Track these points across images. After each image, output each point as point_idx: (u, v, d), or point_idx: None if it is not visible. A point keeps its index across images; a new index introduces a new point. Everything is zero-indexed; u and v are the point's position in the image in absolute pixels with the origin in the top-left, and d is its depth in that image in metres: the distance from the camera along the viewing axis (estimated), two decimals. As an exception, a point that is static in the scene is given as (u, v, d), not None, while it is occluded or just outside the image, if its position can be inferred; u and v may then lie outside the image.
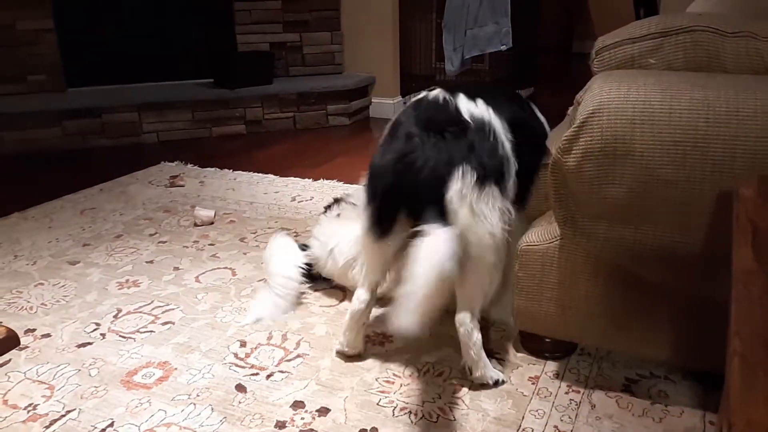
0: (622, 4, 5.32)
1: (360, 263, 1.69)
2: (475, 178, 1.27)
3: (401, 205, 1.33)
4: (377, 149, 1.40)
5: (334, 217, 1.90)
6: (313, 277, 1.89)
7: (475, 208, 1.28)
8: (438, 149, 1.29)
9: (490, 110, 1.38)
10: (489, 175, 1.30)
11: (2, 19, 3.53)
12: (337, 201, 1.99)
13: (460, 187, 1.27)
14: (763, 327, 0.55)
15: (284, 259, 1.85)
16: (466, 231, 1.28)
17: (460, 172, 1.26)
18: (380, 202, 1.36)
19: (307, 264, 1.87)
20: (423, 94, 1.45)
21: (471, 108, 1.36)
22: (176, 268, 2.05)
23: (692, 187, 1.11)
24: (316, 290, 1.88)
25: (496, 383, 1.43)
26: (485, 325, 1.68)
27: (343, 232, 1.79)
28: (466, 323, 1.41)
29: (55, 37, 3.65)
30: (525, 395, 1.41)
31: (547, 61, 5.38)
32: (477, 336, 1.41)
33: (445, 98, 1.38)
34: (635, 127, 1.13)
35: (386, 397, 1.41)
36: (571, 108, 1.34)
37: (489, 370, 1.43)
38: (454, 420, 1.34)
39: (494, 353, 1.56)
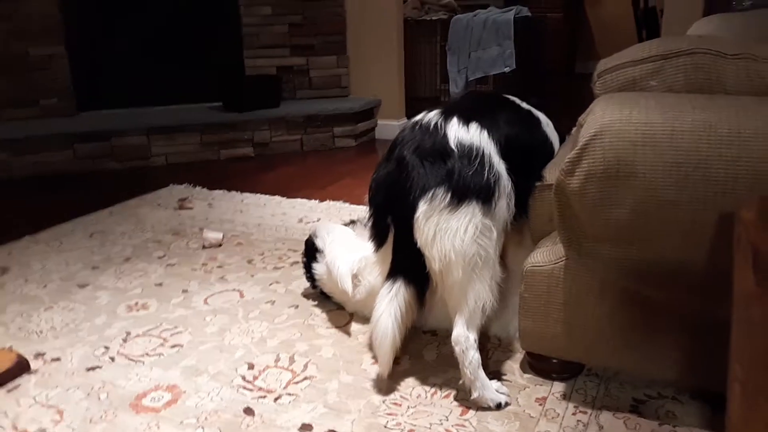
0: (624, 26, 5.36)
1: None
2: (448, 198, 1.36)
3: (390, 219, 1.47)
4: (377, 167, 1.51)
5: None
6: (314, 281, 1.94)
7: (442, 225, 1.37)
8: (419, 175, 1.38)
9: (484, 133, 1.42)
10: (469, 194, 1.36)
11: (15, 45, 3.60)
12: (353, 222, 2.03)
13: (426, 209, 1.37)
14: (764, 351, 0.55)
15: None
16: (427, 247, 1.39)
17: (431, 194, 1.36)
18: (375, 216, 1.52)
19: (312, 279, 1.93)
20: (421, 115, 1.49)
21: (460, 134, 1.40)
22: (185, 291, 2.06)
23: (695, 208, 1.12)
24: (323, 312, 1.90)
25: (498, 406, 1.42)
26: (484, 347, 1.68)
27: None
28: (460, 342, 1.42)
29: (67, 63, 3.72)
30: (532, 416, 1.40)
31: (550, 82, 5.42)
32: (473, 356, 1.41)
33: (436, 124, 1.43)
34: (637, 148, 1.15)
35: (393, 420, 1.41)
36: (574, 129, 1.36)
37: (488, 392, 1.43)
38: (462, 442, 1.33)
39: (501, 374, 1.56)
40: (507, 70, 4.50)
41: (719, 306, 1.15)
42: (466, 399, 1.45)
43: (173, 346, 1.73)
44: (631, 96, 1.25)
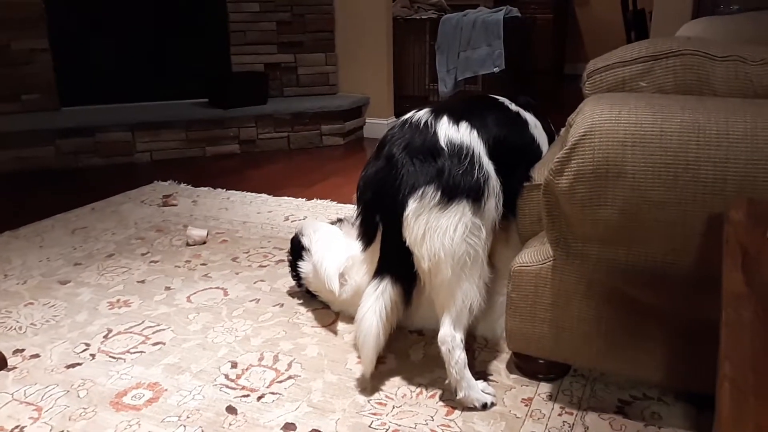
0: (613, 27, 5.39)
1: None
2: (438, 197, 1.35)
3: (379, 217, 1.46)
4: (366, 165, 1.50)
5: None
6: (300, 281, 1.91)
7: (432, 224, 1.36)
8: (409, 173, 1.38)
9: (474, 133, 1.42)
10: (459, 193, 1.36)
11: (-3, 38, 3.54)
12: (339, 220, 2.02)
13: (416, 207, 1.36)
14: (753, 351, 0.55)
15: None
16: (416, 245, 1.38)
17: (420, 192, 1.36)
18: (363, 214, 1.50)
19: (298, 278, 1.90)
20: (410, 114, 1.49)
21: (450, 133, 1.40)
22: (168, 288, 2.03)
23: (683, 208, 1.12)
24: (308, 310, 1.88)
25: (484, 406, 1.42)
26: (471, 347, 1.67)
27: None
28: (447, 342, 1.41)
29: (50, 57, 3.66)
30: (518, 417, 1.40)
31: (540, 83, 5.43)
32: (459, 355, 1.40)
33: (426, 122, 1.43)
34: (627, 149, 1.14)
35: (378, 419, 1.40)
36: (563, 129, 1.35)
37: (473, 392, 1.42)
38: (447, 443, 1.32)
39: (487, 374, 1.55)
40: (496, 70, 4.51)
41: (706, 306, 1.15)
42: (451, 399, 1.44)
43: (155, 344, 1.71)
44: (620, 96, 1.25)
